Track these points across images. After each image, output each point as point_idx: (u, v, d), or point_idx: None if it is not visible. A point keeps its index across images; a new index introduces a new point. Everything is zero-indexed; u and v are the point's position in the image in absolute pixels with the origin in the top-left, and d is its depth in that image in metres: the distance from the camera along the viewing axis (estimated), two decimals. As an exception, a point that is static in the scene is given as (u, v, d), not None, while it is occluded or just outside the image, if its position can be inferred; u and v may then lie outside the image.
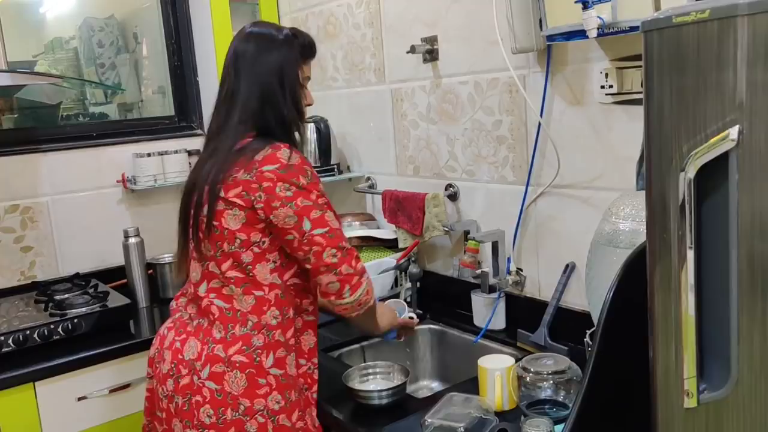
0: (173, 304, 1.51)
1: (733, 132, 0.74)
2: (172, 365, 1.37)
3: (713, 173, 0.78)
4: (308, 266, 1.35)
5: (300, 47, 1.44)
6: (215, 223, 1.35)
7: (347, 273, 1.34)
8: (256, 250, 1.35)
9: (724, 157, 0.77)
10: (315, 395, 1.43)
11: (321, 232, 1.33)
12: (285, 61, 1.41)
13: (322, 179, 2.20)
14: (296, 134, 1.44)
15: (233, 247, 1.35)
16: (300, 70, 1.44)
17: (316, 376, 1.43)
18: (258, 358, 1.34)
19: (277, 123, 1.40)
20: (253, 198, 1.32)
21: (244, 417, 1.31)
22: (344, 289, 1.34)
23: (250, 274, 1.35)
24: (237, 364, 1.33)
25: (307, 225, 1.32)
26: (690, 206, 0.81)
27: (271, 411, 1.33)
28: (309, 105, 1.49)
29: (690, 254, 0.82)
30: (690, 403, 0.84)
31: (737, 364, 0.79)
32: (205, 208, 1.36)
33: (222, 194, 1.34)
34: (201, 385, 1.33)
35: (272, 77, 1.39)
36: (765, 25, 0.69)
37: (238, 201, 1.33)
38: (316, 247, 1.33)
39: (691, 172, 0.79)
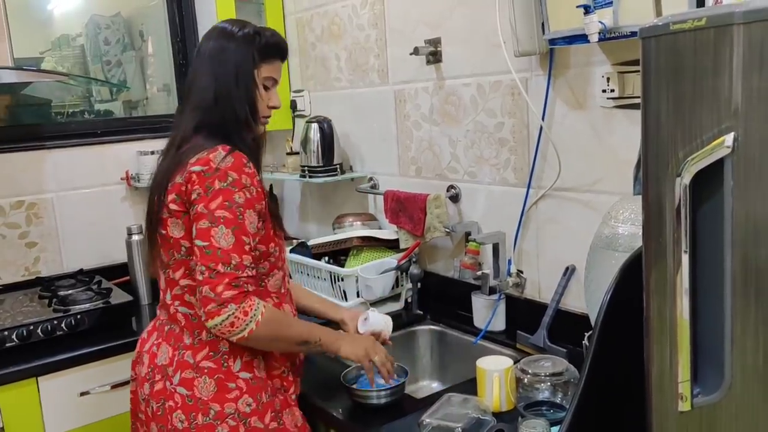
0: (156, 310, 1.50)
1: (729, 139, 0.75)
2: (149, 369, 1.39)
3: (709, 179, 0.79)
4: None
5: (259, 46, 1.40)
6: (163, 231, 1.35)
7: (206, 295, 1.25)
8: None
9: (719, 164, 0.77)
10: (294, 396, 1.44)
11: (199, 245, 1.27)
12: (241, 59, 1.38)
13: (324, 179, 2.26)
14: (249, 134, 1.40)
15: (181, 255, 1.34)
16: (257, 69, 1.40)
17: (292, 378, 1.44)
18: (226, 363, 1.34)
19: (230, 119, 1.36)
20: (183, 200, 1.31)
21: (215, 421, 1.31)
22: (201, 310, 1.27)
23: None
24: (205, 370, 1.33)
25: (194, 232, 1.28)
26: (686, 211, 0.81)
27: (242, 414, 1.33)
28: (274, 107, 1.45)
29: (685, 259, 0.82)
30: (684, 406, 0.84)
31: (731, 369, 0.79)
32: (155, 217, 1.36)
33: (165, 202, 1.33)
34: (173, 390, 1.33)
35: (228, 73, 1.37)
36: (760, 33, 0.70)
37: (175, 207, 1.32)
38: (194, 257, 1.28)
39: (687, 177, 0.80)
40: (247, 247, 1.28)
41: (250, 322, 1.26)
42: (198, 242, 1.26)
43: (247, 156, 1.32)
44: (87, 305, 1.94)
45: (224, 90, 1.36)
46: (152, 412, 1.36)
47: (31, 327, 1.81)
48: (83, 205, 2.31)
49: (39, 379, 1.74)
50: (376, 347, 1.48)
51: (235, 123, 1.37)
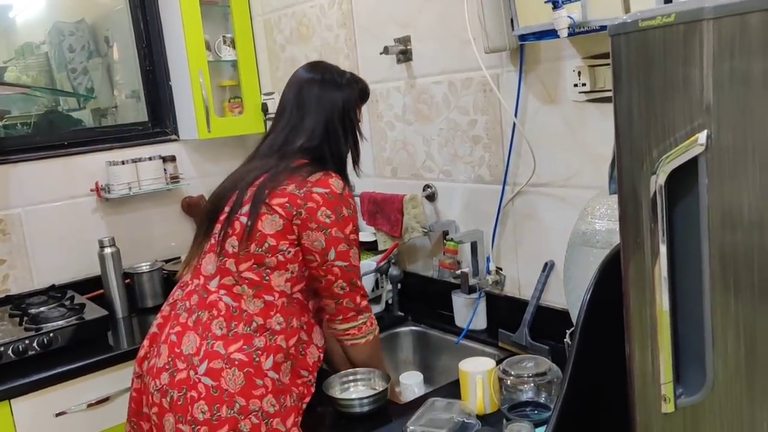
0: (170, 299, 1.51)
1: (702, 136, 0.74)
2: (169, 359, 1.37)
3: (684, 175, 0.78)
4: (318, 286, 1.45)
5: (359, 90, 1.57)
6: (251, 223, 1.39)
7: (347, 306, 1.45)
8: (280, 257, 1.39)
9: (693, 160, 0.76)
10: (305, 406, 1.43)
11: (341, 265, 1.42)
12: (347, 102, 1.53)
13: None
14: (353, 169, 1.59)
15: (260, 250, 1.39)
16: (358, 111, 1.58)
17: (313, 389, 1.44)
18: (257, 359, 1.34)
19: (333, 157, 1.50)
20: (294, 212, 1.39)
21: (239, 416, 1.30)
22: (338, 316, 1.46)
23: (266, 278, 1.39)
24: (236, 362, 1.33)
25: (332, 255, 1.41)
26: (662, 208, 0.80)
27: (265, 413, 1.32)
28: (361, 142, 1.60)
29: (663, 249, 0.81)
30: (667, 408, 0.83)
31: (712, 368, 0.79)
32: (247, 207, 1.41)
33: (267, 200, 1.40)
34: (197, 380, 1.32)
35: (334, 116, 1.51)
36: (730, 28, 0.69)
37: (280, 210, 1.39)
38: (330, 276, 1.42)
39: (662, 177, 0.79)
40: None
41: (370, 333, 1.50)
42: (339, 263, 1.42)
43: None
44: (60, 322, 1.88)
45: (333, 132, 1.51)
46: (171, 403, 1.34)
47: (2, 348, 1.75)
48: (52, 219, 2.25)
49: (12, 401, 1.69)
50: None
51: (340, 161, 1.52)
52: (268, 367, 1.35)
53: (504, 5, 1.53)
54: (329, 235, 1.40)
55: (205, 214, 1.52)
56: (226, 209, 1.45)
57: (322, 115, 1.50)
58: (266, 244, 1.38)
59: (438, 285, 1.98)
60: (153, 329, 1.49)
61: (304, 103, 1.51)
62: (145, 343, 1.48)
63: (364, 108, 2.13)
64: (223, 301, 1.39)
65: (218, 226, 1.45)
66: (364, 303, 1.48)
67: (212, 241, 1.46)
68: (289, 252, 1.40)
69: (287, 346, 1.39)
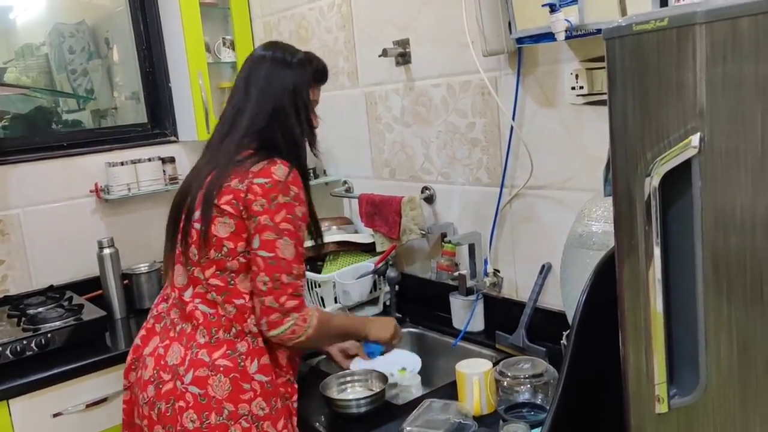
0: (154, 310, 1.50)
1: (695, 139, 0.74)
2: (154, 371, 1.36)
3: (678, 177, 0.79)
4: None
5: (313, 71, 1.48)
6: (204, 228, 1.36)
7: (270, 306, 1.33)
8: (241, 260, 1.36)
9: (687, 163, 0.77)
10: (295, 404, 1.43)
11: (264, 255, 1.32)
12: (298, 82, 1.44)
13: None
14: (311, 151, 1.49)
15: (219, 255, 1.35)
16: (311, 92, 1.48)
17: (296, 386, 1.44)
18: (242, 363, 1.34)
19: (285, 140, 1.42)
20: (241, 207, 1.34)
21: (228, 421, 1.30)
22: (262, 320, 1.34)
23: (232, 282, 1.36)
24: (221, 368, 1.33)
25: (256, 243, 1.33)
26: (656, 210, 0.81)
27: (255, 416, 1.32)
28: (315, 127, 1.51)
29: (657, 251, 0.82)
30: (661, 408, 0.84)
31: (705, 370, 0.79)
32: (197, 213, 1.37)
33: (216, 201, 1.35)
34: (184, 390, 1.32)
35: (284, 96, 1.42)
36: (722, 32, 0.69)
37: (229, 209, 1.34)
38: (254, 267, 1.34)
39: (656, 179, 0.79)
40: (302, 258, 1.37)
41: (308, 328, 1.36)
42: (262, 253, 1.32)
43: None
44: (58, 323, 1.88)
45: (281, 112, 1.41)
46: (158, 414, 1.33)
47: (0, 348, 1.75)
48: (51, 220, 2.26)
49: (10, 401, 1.69)
50: (399, 332, 1.66)
51: (293, 143, 1.42)
52: (254, 370, 1.34)
53: (502, 8, 1.54)
54: (258, 222, 1.32)
55: (168, 221, 1.47)
56: (183, 216, 1.41)
57: (270, 94, 1.41)
58: (224, 248, 1.35)
59: (436, 287, 1.99)
60: (137, 341, 1.47)
61: (252, 82, 1.44)
62: (131, 353, 1.48)
63: (363, 108, 2.16)
64: (200, 310, 1.37)
65: (179, 236, 1.42)
66: (292, 303, 1.33)
67: (177, 251, 1.43)
68: (248, 253, 1.35)
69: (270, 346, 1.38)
